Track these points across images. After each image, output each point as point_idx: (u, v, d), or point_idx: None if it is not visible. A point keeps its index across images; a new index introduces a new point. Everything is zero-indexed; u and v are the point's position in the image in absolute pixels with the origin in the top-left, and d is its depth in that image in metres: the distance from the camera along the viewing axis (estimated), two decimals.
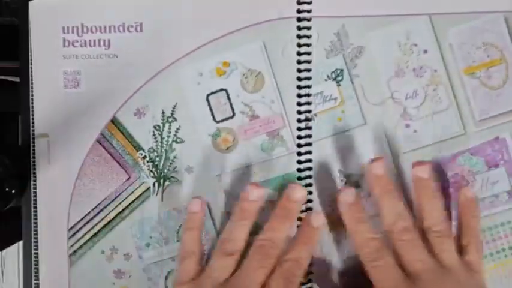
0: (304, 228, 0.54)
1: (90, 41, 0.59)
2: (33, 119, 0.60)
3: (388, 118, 0.57)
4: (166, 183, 0.59)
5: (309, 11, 0.57)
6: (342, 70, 0.57)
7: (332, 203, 0.57)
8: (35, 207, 0.60)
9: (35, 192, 0.60)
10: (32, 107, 0.60)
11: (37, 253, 0.60)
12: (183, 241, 0.57)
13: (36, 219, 0.60)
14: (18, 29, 0.60)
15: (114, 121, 0.59)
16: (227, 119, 0.58)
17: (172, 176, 0.59)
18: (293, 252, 0.51)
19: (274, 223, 0.53)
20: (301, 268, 0.51)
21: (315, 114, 0.57)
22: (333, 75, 0.57)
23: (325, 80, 0.57)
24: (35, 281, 0.61)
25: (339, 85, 0.57)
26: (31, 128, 0.60)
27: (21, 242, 0.62)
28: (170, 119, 0.59)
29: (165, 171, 0.59)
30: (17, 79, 0.60)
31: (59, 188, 0.60)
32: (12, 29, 0.60)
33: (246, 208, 0.54)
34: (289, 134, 0.57)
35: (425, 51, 0.56)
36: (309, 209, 0.57)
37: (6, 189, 0.58)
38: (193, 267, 0.55)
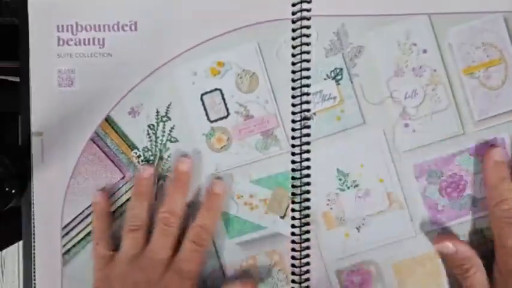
0: (208, 196, 0.57)
1: (84, 39, 0.58)
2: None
3: (387, 117, 0.56)
4: (160, 182, 0.59)
5: (308, 10, 0.56)
6: (341, 69, 0.56)
7: (330, 202, 0.57)
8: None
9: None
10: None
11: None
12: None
13: (33, 218, 0.60)
14: (18, 29, 0.59)
15: (108, 120, 0.59)
16: (221, 118, 0.58)
17: (166, 175, 0.58)
18: (199, 219, 0.56)
19: (170, 195, 0.57)
20: (207, 232, 0.56)
21: (314, 113, 0.57)
22: (333, 74, 0.56)
23: (325, 79, 0.56)
24: (35, 281, 0.61)
25: (339, 84, 0.56)
26: (31, 128, 0.60)
27: (21, 242, 0.62)
28: (164, 119, 0.58)
29: (159, 170, 0.59)
30: (17, 79, 0.60)
31: (53, 187, 0.59)
32: (12, 29, 0.59)
33: (140, 185, 0.57)
34: (283, 134, 0.57)
35: (425, 51, 0.55)
36: (307, 207, 0.57)
37: (6, 189, 0.57)
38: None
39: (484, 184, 0.55)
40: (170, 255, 0.55)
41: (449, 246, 0.53)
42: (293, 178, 0.57)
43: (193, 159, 0.58)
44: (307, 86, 0.56)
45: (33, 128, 0.59)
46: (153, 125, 0.58)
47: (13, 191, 0.58)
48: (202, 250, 0.56)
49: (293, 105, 0.57)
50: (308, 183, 0.57)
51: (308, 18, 0.56)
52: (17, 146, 0.60)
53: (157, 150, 0.59)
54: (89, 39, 0.58)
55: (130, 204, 0.58)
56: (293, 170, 0.57)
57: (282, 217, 0.58)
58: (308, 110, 0.56)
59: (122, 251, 0.56)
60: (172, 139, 0.58)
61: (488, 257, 0.55)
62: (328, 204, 0.57)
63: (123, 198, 0.59)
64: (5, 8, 0.64)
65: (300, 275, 0.57)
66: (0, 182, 0.56)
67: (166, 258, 0.55)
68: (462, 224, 0.56)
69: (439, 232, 0.57)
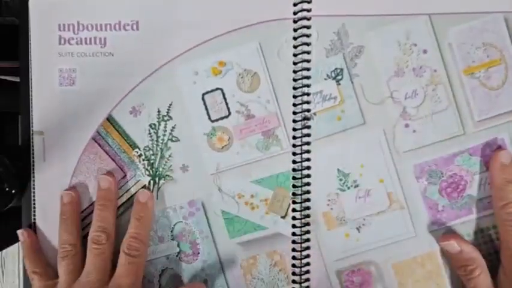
0: (136, 205, 0.58)
1: (86, 38, 0.59)
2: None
3: (388, 118, 0.56)
4: (161, 181, 0.59)
5: (308, 10, 0.56)
6: (341, 69, 0.56)
7: (331, 203, 0.57)
8: (34, 206, 0.61)
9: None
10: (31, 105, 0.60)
11: None
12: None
13: (34, 217, 0.61)
14: (18, 29, 0.60)
15: (109, 119, 0.59)
16: (222, 118, 0.58)
17: (167, 175, 0.59)
18: (131, 230, 0.56)
19: (98, 214, 0.57)
20: (140, 242, 0.56)
21: (314, 113, 0.57)
22: (333, 75, 0.56)
23: (325, 79, 0.56)
24: None
25: (339, 84, 0.56)
26: (31, 128, 0.60)
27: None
28: (166, 118, 0.58)
29: (160, 169, 0.59)
30: (17, 79, 0.60)
31: (54, 186, 0.60)
32: (12, 29, 0.59)
33: (64, 211, 0.58)
34: (284, 134, 0.57)
35: (425, 51, 0.56)
36: (308, 207, 0.57)
37: (7, 189, 0.58)
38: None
39: (490, 186, 0.55)
40: (107, 274, 0.55)
41: (454, 245, 0.54)
42: (294, 178, 0.57)
43: (115, 176, 0.59)
44: (308, 86, 0.56)
45: (35, 127, 0.59)
46: (154, 125, 0.59)
47: (13, 191, 0.58)
48: (137, 261, 0.55)
49: (294, 105, 0.57)
50: (308, 184, 0.57)
51: (308, 18, 0.56)
52: (17, 146, 0.60)
53: (158, 149, 0.59)
54: (90, 39, 0.58)
55: (58, 232, 0.58)
56: (294, 170, 0.57)
57: (283, 217, 0.58)
58: (308, 110, 0.56)
59: (59, 279, 0.57)
60: (174, 138, 0.58)
61: (492, 258, 0.55)
62: (328, 205, 0.57)
63: (124, 198, 0.59)
64: (5, 8, 0.64)
65: (300, 275, 0.58)
66: (0, 182, 0.56)
67: (102, 279, 0.55)
68: (463, 224, 0.56)
69: (444, 232, 0.56)
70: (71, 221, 0.58)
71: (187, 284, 0.59)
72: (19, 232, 0.59)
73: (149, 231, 0.58)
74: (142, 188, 0.59)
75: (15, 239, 0.61)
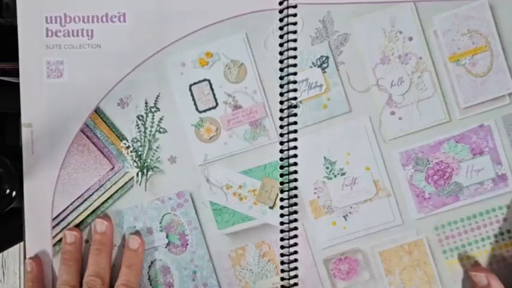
0: (126, 252, 0.58)
1: (73, 31, 0.59)
2: None
3: (374, 105, 0.56)
4: (150, 173, 0.59)
5: None
6: (327, 57, 0.56)
7: (317, 191, 0.57)
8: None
9: None
10: None
11: None
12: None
13: (23, 209, 0.60)
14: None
15: (97, 111, 0.59)
16: (210, 109, 0.58)
17: (155, 166, 0.59)
18: (121, 278, 0.56)
19: (93, 258, 0.57)
20: None
21: (300, 102, 0.57)
22: (318, 62, 0.57)
23: (311, 67, 0.57)
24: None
25: (325, 72, 0.57)
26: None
27: (22, 243, 0.62)
28: (153, 109, 0.58)
29: (148, 161, 0.59)
30: (18, 80, 0.60)
31: (43, 178, 0.60)
32: (12, 30, 0.60)
33: (65, 251, 0.58)
34: (272, 124, 0.57)
35: (410, 39, 0.56)
36: (295, 196, 0.57)
37: (7, 190, 0.58)
38: None
39: None
40: None
41: (483, 278, 0.54)
42: (281, 167, 0.57)
43: (113, 220, 0.59)
44: (295, 74, 0.56)
45: (23, 119, 0.59)
46: (142, 116, 0.59)
47: (14, 192, 0.58)
48: None
49: (281, 94, 0.57)
50: (295, 172, 0.57)
51: (294, 6, 0.56)
52: (18, 146, 0.60)
53: (146, 141, 0.59)
54: (77, 31, 0.59)
55: (58, 271, 0.58)
56: (281, 159, 0.57)
57: (271, 207, 0.58)
58: (295, 98, 0.57)
59: None
60: (161, 130, 0.59)
61: (478, 245, 0.56)
62: (315, 193, 0.57)
63: (112, 190, 0.60)
64: (5, 9, 0.64)
65: (289, 263, 0.57)
66: (0, 183, 0.57)
67: None
68: (450, 211, 0.56)
69: (473, 264, 0.57)
70: (73, 262, 0.58)
71: None
72: (27, 262, 0.59)
73: (140, 278, 0.58)
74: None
75: (16, 240, 0.61)
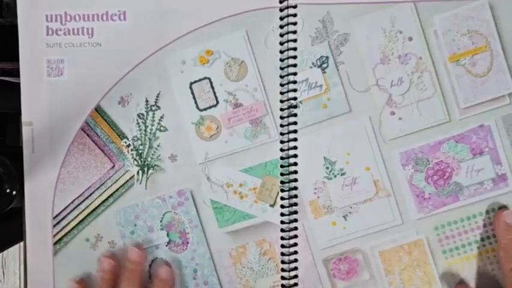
0: (155, 281, 0.58)
1: (73, 29, 0.59)
2: None
3: (373, 105, 0.57)
4: (150, 171, 0.59)
5: None
6: (327, 57, 0.57)
7: (317, 191, 0.57)
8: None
9: None
10: None
11: None
12: None
13: (24, 208, 0.60)
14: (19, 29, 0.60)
15: (98, 109, 0.59)
16: (210, 107, 0.58)
17: (156, 164, 0.59)
18: None
19: (125, 285, 0.56)
20: None
21: (300, 102, 0.57)
22: (318, 63, 0.57)
23: (311, 67, 0.57)
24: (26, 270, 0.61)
25: (325, 72, 0.57)
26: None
27: (22, 243, 0.62)
28: (154, 108, 0.59)
29: (149, 159, 0.59)
30: (18, 80, 0.60)
31: (43, 176, 0.60)
32: (13, 30, 0.60)
33: (102, 278, 0.57)
34: (272, 122, 0.57)
35: (410, 39, 0.56)
36: (295, 196, 0.57)
37: (7, 190, 0.58)
38: None
39: (498, 246, 0.55)
40: None
41: None
42: (281, 167, 0.57)
43: (145, 250, 0.59)
44: (295, 74, 0.56)
45: (23, 117, 0.59)
46: (142, 114, 0.59)
47: (14, 192, 0.58)
48: None
49: (281, 93, 0.57)
50: (295, 172, 0.57)
51: (294, 6, 0.56)
52: (18, 146, 0.60)
53: (146, 139, 0.59)
54: (78, 29, 0.59)
55: None
56: (281, 158, 0.57)
57: (272, 205, 0.58)
58: (295, 98, 0.57)
59: None
60: (162, 128, 0.59)
61: (478, 245, 0.56)
62: (315, 193, 0.57)
63: (113, 188, 0.60)
64: (6, 9, 0.64)
65: (289, 263, 0.58)
66: (0, 183, 0.57)
67: None
68: (449, 211, 0.56)
69: (458, 282, 0.57)
70: (136, 280, 0.57)
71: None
72: (104, 260, 0.58)
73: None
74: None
75: (16, 240, 0.61)
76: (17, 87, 0.59)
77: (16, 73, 0.59)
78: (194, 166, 0.59)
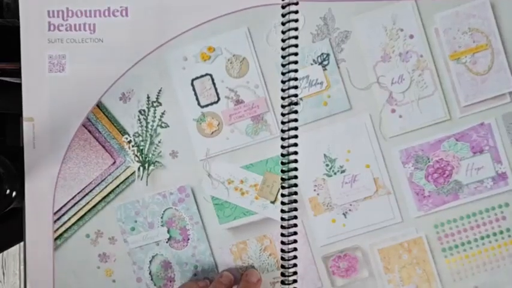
0: (244, 283, 0.57)
1: (75, 25, 0.59)
2: None
3: (374, 103, 0.57)
4: (151, 167, 0.59)
5: None
6: (328, 54, 0.57)
7: (317, 188, 0.57)
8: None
9: None
10: None
11: None
12: None
13: (24, 203, 0.61)
14: (19, 30, 0.60)
15: (99, 105, 0.59)
16: (212, 103, 0.58)
17: (157, 161, 0.59)
18: None
19: None
20: None
21: (301, 99, 0.57)
22: (319, 60, 0.57)
23: (311, 64, 0.57)
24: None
25: (325, 69, 0.57)
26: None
27: (22, 243, 0.62)
28: (155, 104, 0.59)
29: (150, 155, 0.59)
30: (19, 80, 0.60)
31: (44, 172, 0.60)
32: (13, 30, 0.60)
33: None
34: (273, 119, 0.57)
35: (411, 36, 0.56)
36: (295, 192, 0.57)
37: (7, 190, 0.58)
38: None
39: None
40: None
41: None
42: (281, 163, 0.57)
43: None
44: (296, 71, 0.57)
45: (25, 113, 0.59)
46: (143, 111, 0.59)
47: (14, 193, 0.58)
48: None
49: (282, 90, 0.57)
50: (296, 169, 0.57)
51: (296, 3, 0.56)
52: (18, 147, 0.60)
53: (147, 135, 0.59)
54: (79, 25, 0.59)
55: None
56: (282, 155, 0.57)
57: (273, 202, 0.58)
58: (296, 95, 0.57)
59: None
60: (163, 124, 0.59)
61: (478, 244, 0.56)
62: (315, 190, 0.58)
63: (114, 184, 0.60)
64: (6, 9, 0.64)
65: (289, 260, 0.58)
66: (1, 183, 0.57)
67: None
68: (449, 209, 0.56)
69: None
70: None
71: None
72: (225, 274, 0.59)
73: None
74: None
75: (16, 240, 0.61)
76: (17, 87, 0.60)
77: (16, 74, 0.60)
78: (195, 163, 0.59)
